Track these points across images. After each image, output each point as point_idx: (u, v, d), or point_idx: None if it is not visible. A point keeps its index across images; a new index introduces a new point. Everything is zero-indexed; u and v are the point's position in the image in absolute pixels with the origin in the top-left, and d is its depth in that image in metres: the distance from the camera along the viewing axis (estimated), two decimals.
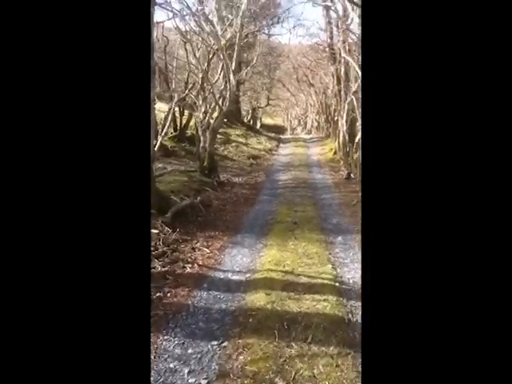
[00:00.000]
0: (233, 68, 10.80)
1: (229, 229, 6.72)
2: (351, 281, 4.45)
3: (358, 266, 4.92)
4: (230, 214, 7.86)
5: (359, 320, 3.55)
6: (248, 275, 4.67)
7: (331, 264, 4.93)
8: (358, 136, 13.38)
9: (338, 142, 16.08)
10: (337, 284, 4.32)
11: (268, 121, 40.51)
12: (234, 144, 17.05)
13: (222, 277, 4.66)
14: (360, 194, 9.33)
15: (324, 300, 3.87)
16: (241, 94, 23.37)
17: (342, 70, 15.74)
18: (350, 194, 9.38)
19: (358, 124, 13.45)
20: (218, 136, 17.12)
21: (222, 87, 11.83)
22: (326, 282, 4.37)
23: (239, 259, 5.25)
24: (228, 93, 10.88)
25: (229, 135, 18.22)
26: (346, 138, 14.99)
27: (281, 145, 21.47)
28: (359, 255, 5.30)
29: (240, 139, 18.36)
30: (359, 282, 4.42)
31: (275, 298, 3.94)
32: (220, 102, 11.41)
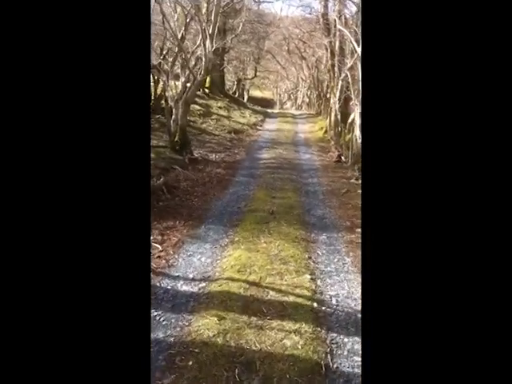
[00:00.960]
0: (209, 32, 9.56)
1: (192, 217, 5.71)
2: (334, 300, 3.51)
3: (344, 277, 3.98)
4: (198, 198, 6.83)
5: (341, 367, 2.62)
6: (202, 285, 3.70)
7: (310, 273, 3.97)
8: (352, 116, 12.37)
9: (330, 121, 15.07)
10: (315, 305, 3.37)
11: (256, 93, 39.00)
12: (214, 117, 15.84)
13: (169, 287, 3.67)
14: (351, 181, 8.40)
15: (295, 331, 2.92)
16: (225, 63, 21.96)
17: (337, 43, 14.57)
18: (340, 181, 8.41)
19: (352, 103, 12.45)
20: (198, 108, 15.95)
21: (199, 54, 10.57)
22: (300, 300, 3.42)
23: (196, 260, 4.27)
24: (204, 60, 9.66)
25: (210, 107, 16.97)
26: (338, 116, 13.99)
27: (267, 119, 20.18)
28: (347, 262, 4.36)
29: (222, 112, 17.11)
30: (344, 302, 3.48)
31: (230, 325, 2.97)
32: (197, 71, 10.24)
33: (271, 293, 3.51)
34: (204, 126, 14.65)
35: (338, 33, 14.03)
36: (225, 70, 23.07)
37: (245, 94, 32.13)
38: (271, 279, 3.78)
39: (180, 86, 10.36)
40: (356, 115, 10.39)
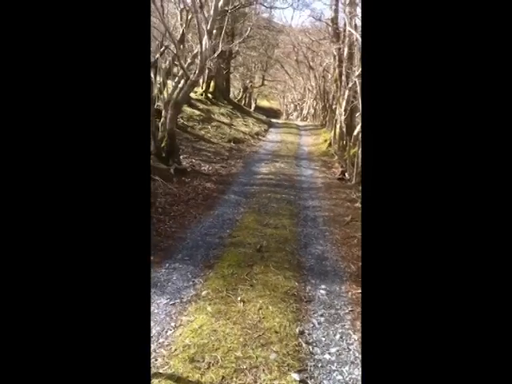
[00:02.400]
0: (207, 28, 8.17)
1: (158, 250, 4.31)
2: None
3: (349, 374, 2.53)
4: (174, 220, 5.44)
5: None
6: None
7: (299, 369, 2.53)
8: (358, 128, 10.99)
9: (334, 133, 13.69)
10: None
11: (264, 103, 37.74)
12: (215, 123, 14.45)
13: None
14: (356, 205, 6.96)
15: None
16: (231, 69, 20.61)
17: (346, 50, 13.17)
18: (344, 204, 6.97)
19: (358, 114, 11.10)
20: (198, 113, 14.61)
21: (196, 52, 9.17)
22: None
23: None
24: (199, 58, 8.26)
25: (211, 113, 15.59)
26: (344, 129, 12.58)
27: (271, 129, 18.76)
28: (353, 341, 2.91)
29: (223, 119, 15.71)
30: None
31: None
32: (192, 70, 8.86)
33: None
34: (202, 132, 13.27)
35: (347, 39, 12.68)
36: (231, 76, 21.76)
37: (252, 102, 30.80)
38: (238, 381, 2.34)
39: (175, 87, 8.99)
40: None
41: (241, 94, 25.78)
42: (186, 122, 13.43)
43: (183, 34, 10.19)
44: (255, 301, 3.32)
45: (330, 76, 18.65)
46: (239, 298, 3.34)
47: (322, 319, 3.17)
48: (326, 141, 14.48)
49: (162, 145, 8.28)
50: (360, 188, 8.11)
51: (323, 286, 3.75)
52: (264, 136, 16.27)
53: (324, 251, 4.72)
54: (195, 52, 8.99)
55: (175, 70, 11.04)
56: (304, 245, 4.88)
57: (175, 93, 8.59)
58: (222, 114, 16.25)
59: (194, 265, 4.03)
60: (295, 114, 35.99)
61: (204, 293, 3.42)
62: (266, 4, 18.59)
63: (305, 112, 31.96)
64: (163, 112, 8.62)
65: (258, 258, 4.27)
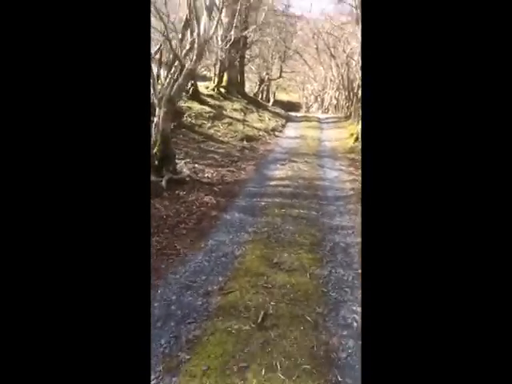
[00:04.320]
0: (207, 3, 6.39)
1: None
2: None
3: None
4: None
5: None
6: None
7: None
8: None
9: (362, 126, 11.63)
10: None
11: (282, 96, 35.63)
12: (226, 120, 12.66)
13: None
14: None
15: None
16: (246, 61, 18.68)
17: None
18: None
19: None
20: (208, 109, 12.86)
21: (188, 37, 7.36)
22: None
23: None
24: (196, 41, 6.48)
25: (223, 109, 13.78)
26: None
27: (289, 124, 16.71)
28: None
29: (236, 115, 13.84)
30: None
31: None
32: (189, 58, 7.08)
33: None
34: (212, 131, 11.52)
35: None
36: (246, 68, 19.85)
37: (270, 96, 28.79)
38: None
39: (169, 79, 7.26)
40: None
41: (257, 88, 23.80)
42: (193, 121, 11.71)
43: (188, 21, 8.47)
44: None
45: (354, 63, 16.54)
46: None
47: None
48: (352, 135, 12.44)
49: (154, 150, 6.58)
50: None
51: None
52: (281, 131, 14.35)
53: None
54: (193, 37, 7.17)
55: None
56: (334, 305, 3.06)
57: (169, 86, 6.84)
58: (235, 110, 14.43)
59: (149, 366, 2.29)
60: (315, 106, 33.72)
61: None
62: None
63: (326, 103, 29.72)
64: (156, 110, 6.91)
65: (257, 346, 2.49)
